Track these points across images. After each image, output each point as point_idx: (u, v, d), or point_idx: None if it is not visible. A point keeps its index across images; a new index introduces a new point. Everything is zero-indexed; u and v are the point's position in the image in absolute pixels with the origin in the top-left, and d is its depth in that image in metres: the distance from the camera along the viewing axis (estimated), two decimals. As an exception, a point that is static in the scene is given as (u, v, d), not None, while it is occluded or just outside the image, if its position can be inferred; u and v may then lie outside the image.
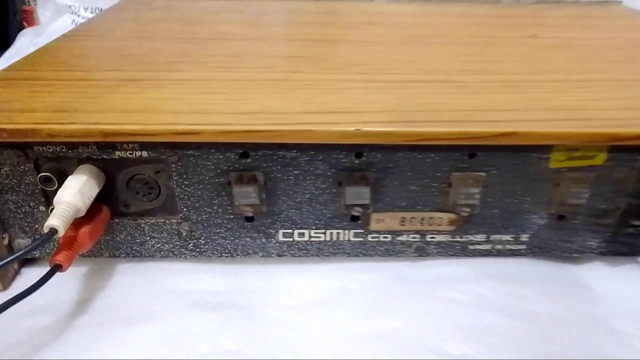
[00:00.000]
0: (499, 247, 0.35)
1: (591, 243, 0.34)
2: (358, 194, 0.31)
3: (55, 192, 0.29)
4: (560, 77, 0.35)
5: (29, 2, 0.74)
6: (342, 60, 0.38)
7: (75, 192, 0.28)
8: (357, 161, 0.31)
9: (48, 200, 0.31)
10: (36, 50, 0.40)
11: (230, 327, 0.30)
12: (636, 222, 0.33)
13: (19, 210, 0.32)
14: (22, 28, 0.74)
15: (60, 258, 0.27)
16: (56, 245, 0.32)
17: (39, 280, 0.26)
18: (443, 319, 0.31)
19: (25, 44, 0.68)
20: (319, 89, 0.33)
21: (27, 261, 0.34)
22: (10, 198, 0.31)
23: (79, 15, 0.74)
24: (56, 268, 0.27)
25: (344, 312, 0.31)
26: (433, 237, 0.34)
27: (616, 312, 0.32)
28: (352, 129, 0.27)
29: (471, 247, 0.35)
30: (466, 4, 0.58)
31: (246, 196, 0.31)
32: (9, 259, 0.25)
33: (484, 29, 0.48)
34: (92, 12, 0.74)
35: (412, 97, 0.32)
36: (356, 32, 0.46)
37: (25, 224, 0.32)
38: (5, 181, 0.30)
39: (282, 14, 0.53)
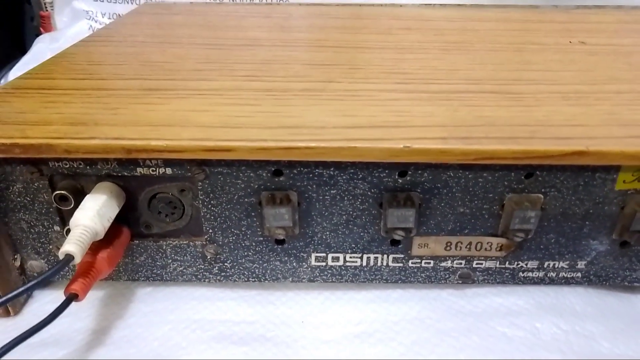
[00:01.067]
0: (552, 274, 0.31)
1: (656, 272, 0.31)
2: (401, 217, 0.28)
3: (71, 211, 0.27)
4: (626, 88, 0.32)
5: (46, 7, 0.72)
6: (380, 69, 0.35)
7: (94, 214, 0.25)
8: (400, 180, 0.28)
9: (63, 219, 0.29)
10: (52, 57, 0.38)
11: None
12: None
13: (32, 230, 0.29)
14: (39, 33, 0.73)
15: (76, 287, 0.24)
16: (72, 269, 0.30)
17: (52, 313, 0.23)
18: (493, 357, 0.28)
19: (41, 49, 0.66)
20: (361, 100, 0.30)
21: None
22: (23, 217, 0.29)
23: (96, 21, 0.72)
24: (71, 298, 0.24)
25: (387, 349, 0.28)
26: (480, 264, 0.31)
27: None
28: (401, 146, 0.25)
29: (521, 274, 0.31)
30: (502, 9, 0.55)
31: (278, 218, 0.28)
32: (18, 291, 0.23)
33: (527, 34, 0.45)
34: (109, 18, 0.72)
35: (464, 110, 0.29)
36: (391, 37, 0.43)
37: (39, 245, 0.30)
38: (18, 199, 0.28)
39: (310, 18, 0.50)
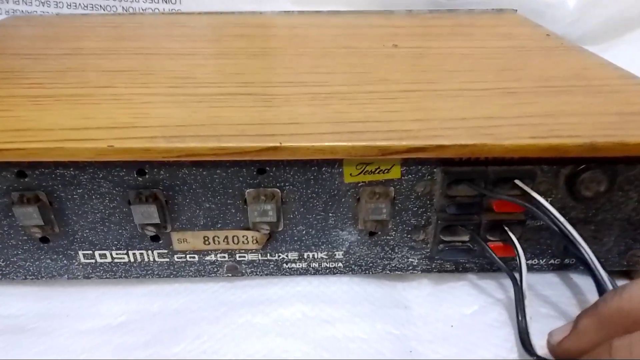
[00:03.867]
0: (314, 265, 0.33)
1: (412, 260, 0.33)
2: (146, 213, 0.30)
3: None
4: (380, 89, 0.34)
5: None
6: (172, 74, 0.37)
7: None
8: (140, 179, 0.29)
9: None
10: None
11: (7, 353, 0.29)
12: (446, 238, 0.32)
13: None
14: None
15: None
16: None
17: None
18: (231, 345, 0.29)
19: None
20: (116, 104, 0.32)
21: None
22: None
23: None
24: None
25: (133, 337, 0.30)
26: (243, 256, 0.33)
27: (422, 334, 0.30)
28: (105, 145, 0.26)
29: (286, 265, 0.33)
30: (356, 14, 0.57)
31: (28, 217, 0.30)
32: None
33: (351, 39, 0.47)
34: None
35: (204, 112, 0.30)
36: (217, 45, 0.45)
37: None
38: None
39: (157, 27, 0.52)
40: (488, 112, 0.30)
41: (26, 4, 0.75)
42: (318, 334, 0.30)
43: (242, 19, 0.55)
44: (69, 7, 0.75)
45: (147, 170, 0.29)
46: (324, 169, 0.29)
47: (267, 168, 0.29)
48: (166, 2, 0.73)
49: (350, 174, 0.30)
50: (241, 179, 0.30)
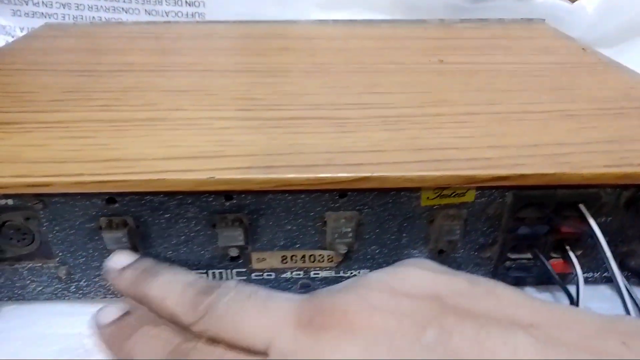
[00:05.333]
0: (384, 281, 0.35)
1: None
2: (231, 236, 0.31)
3: None
4: (445, 111, 0.35)
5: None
6: (234, 94, 0.38)
7: None
8: (227, 204, 0.30)
9: None
10: None
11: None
12: (513, 256, 0.33)
13: None
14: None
15: None
16: None
17: None
18: None
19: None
20: (194, 129, 0.33)
21: None
22: None
23: (12, 36, 0.73)
24: None
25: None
26: (317, 274, 0.34)
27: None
28: (206, 177, 0.27)
29: (356, 282, 0.35)
30: (389, 24, 0.58)
31: (117, 241, 0.31)
32: None
33: (395, 53, 0.48)
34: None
35: (282, 138, 0.32)
36: (265, 59, 0.46)
37: None
38: None
39: (198, 39, 0.52)
40: (556, 138, 0.32)
41: (46, 6, 0.75)
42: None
43: (279, 29, 0.56)
44: (90, 9, 0.75)
45: (234, 196, 0.30)
46: (402, 193, 0.31)
47: (350, 193, 0.31)
48: (189, 5, 0.74)
49: (427, 198, 0.31)
50: (323, 202, 0.31)
